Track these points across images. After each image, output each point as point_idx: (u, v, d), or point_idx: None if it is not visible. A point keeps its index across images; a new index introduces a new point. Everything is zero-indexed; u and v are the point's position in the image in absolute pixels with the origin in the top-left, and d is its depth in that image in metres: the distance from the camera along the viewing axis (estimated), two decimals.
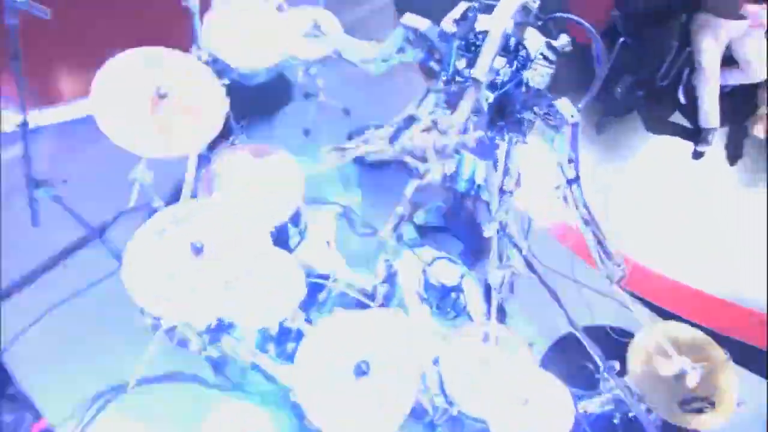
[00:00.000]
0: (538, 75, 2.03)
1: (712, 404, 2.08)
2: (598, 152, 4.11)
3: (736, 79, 4.09)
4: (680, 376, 2.13)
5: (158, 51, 2.18)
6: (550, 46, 2.01)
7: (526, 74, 2.07)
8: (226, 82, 2.73)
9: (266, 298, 2.20)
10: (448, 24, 2.10)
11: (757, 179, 4.04)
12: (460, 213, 3.35)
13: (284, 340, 2.30)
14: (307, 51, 3.05)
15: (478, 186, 2.79)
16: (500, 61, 2.13)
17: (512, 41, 2.11)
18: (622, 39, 4.09)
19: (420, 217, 3.37)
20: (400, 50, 2.38)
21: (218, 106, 2.23)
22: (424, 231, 3.35)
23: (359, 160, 3.58)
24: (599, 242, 2.16)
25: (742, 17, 3.79)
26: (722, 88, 4.08)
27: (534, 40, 2.08)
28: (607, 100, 4.26)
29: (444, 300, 3.11)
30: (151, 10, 2.68)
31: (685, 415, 2.07)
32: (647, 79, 4.28)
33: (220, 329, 2.11)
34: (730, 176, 4.06)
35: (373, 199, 3.45)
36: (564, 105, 2.10)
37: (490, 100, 2.25)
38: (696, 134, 4.12)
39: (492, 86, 2.21)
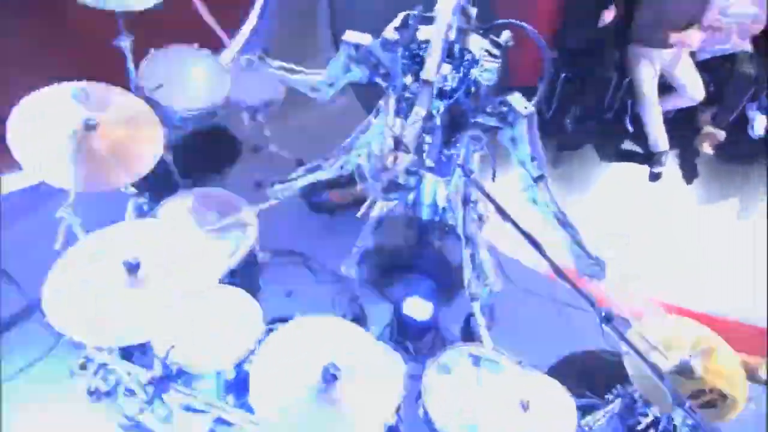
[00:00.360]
0: (486, 71, 2.05)
1: (723, 396, 1.95)
2: (556, 187, 4.17)
3: (675, 103, 4.33)
4: (683, 370, 2.01)
5: (87, 85, 2.10)
6: (493, 43, 2.05)
7: (474, 72, 2.08)
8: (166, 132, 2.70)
9: (220, 337, 2.00)
10: (389, 32, 2.13)
11: (715, 194, 4.17)
12: (427, 250, 3.26)
13: (244, 390, 2.06)
14: (251, 94, 3.06)
15: (443, 209, 2.73)
16: (447, 68, 2.15)
17: (456, 47, 2.14)
18: (563, 75, 4.32)
19: (385, 258, 3.26)
20: (346, 70, 2.38)
21: (153, 139, 2.14)
22: (390, 272, 3.22)
23: (316, 207, 3.51)
24: (576, 241, 2.10)
25: (670, 45, 4.08)
26: (665, 113, 4.31)
27: (477, 43, 2.12)
28: (560, 135, 4.40)
29: (421, 342, 2.93)
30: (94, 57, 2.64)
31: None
32: (594, 112, 4.47)
33: (167, 378, 1.88)
34: (689, 195, 4.17)
35: (332, 247, 3.34)
36: (516, 99, 2.11)
37: (442, 109, 2.26)
38: (649, 158, 4.26)
39: (441, 95, 2.21)
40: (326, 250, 3.34)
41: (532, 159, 2.18)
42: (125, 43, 2.51)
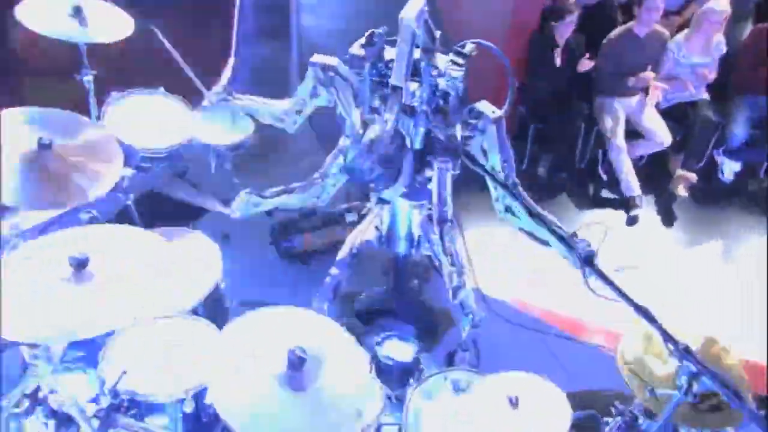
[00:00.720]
0: (453, 79, 2.12)
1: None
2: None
3: (644, 149, 4.53)
4: None
5: (43, 110, 2.11)
6: (457, 53, 2.14)
7: (441, 82, 2.15)
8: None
9: (178, 366, 1.87)
10: (356, 48, 2.22)
11: (695, 236, 4.25)
12: (405, 292, 3.19)
13: (205, 428, 1.90)
14: (218, 137, 3.09)
15: (418, 241, 2.70)
16: (414, 85, 2.22)
17: (422, 65, 2.23)
18: (533, 126, 4.52)
19: (361, 303, 3.17)
20: (313, 94, 2.44)
21: (112, 164, 2.12)
22: (367, 318, 3.12)
23: (288, 254, 3.44)
24: (560, 236, 2.08)
25: (632, 93, 4.34)
26: (638, 160, 4.49)
27: (442, 60, 2.22)
28: (535, 185, 4.51)
29: (403, 389, 2.77)
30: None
31: (700, 415, 1.82)
32: (567, 161, 4.63)
33: (116, 409, 1.72)
34: (669, 238, 4.24)
35: (306, 297, 3.25)
36: (484, 105, 2.17)
37: (412, 128, 2.30)
38: (624, 203, 4.37)
39: (411, 113, 2.26)
40: (300, 300, 3.23)
41: (504, 166, 2.21)
42: (88, 77, 2.55)
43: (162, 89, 2.99)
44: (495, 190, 2.28)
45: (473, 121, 2.21)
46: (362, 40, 2.22)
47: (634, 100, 4.38)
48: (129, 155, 2.73)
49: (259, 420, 1.41)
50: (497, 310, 3.03)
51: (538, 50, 4.38)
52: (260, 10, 5.51)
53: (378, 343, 2.75)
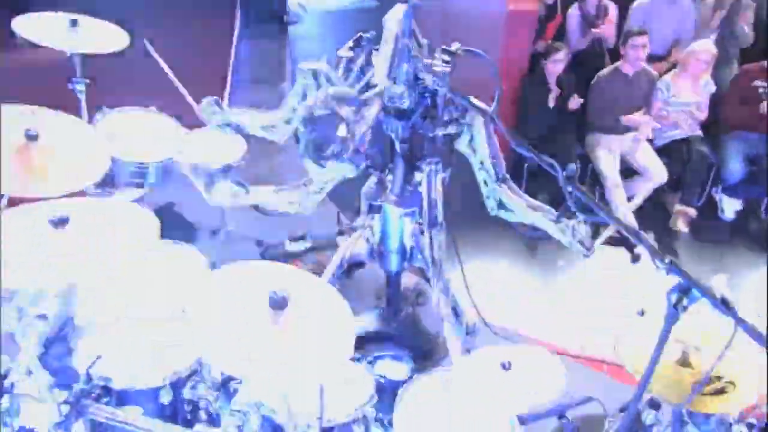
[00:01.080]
0: (440, 76, 2.21)
1: (732, 383, 1.82)
2: (537, 273, 4.22)
3: (640, 187, 4.60)
4: (684, 360, 1.89)
5: (31, 107, 2.19)
6: (444, 51, 2.25)
7: (427, 79, 2.24)
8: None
9: (157, 354, 1.84)
10: (344, 50, 2.33)
11: (696, 272, 4.23)
12: (400, 314, 3.15)
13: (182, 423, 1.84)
14: (207, 157, 3.16)
15: (411, 253, 2.70)
16: (401, 88, 2.32)
17: (410, 71, 2.34)
18: (527, 165, 4.63)
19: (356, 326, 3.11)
20: (303, 100, 2.53)
21: (98, 159, 2.18)
22: (361, 340, 3.05)
23: None
24: (553, 219, 2.10)
25: (626, 130, 4.48)
26: (635, 198, 4.57)
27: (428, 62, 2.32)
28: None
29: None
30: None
31: (704, 399, 1.77)
32: (563, 199, 4.68)
33: (88, 395, 1.66)
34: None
35: None
36: (471, 102, 2.25)
37: (401, 131, 2.39)
38: (623, 241, 4.39)
39: (399, 116, 2.35)
40: None
41: (493, 162, 2.27)
42: (80, 86, 2.65)
43: (153, 107, 3.09)
44: (486, 186, 2.32)
45: (459, 115, 2.29)
46: (350, 43, 2.35)
47: (628, 137, 4.51)
48: (118, 169, 2.81)
49: (245, 360, 1.39)
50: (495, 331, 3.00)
51: (530, 91, 4.57)
52: (256, 57, 5.80)
53: (370, 363, 2.70)
